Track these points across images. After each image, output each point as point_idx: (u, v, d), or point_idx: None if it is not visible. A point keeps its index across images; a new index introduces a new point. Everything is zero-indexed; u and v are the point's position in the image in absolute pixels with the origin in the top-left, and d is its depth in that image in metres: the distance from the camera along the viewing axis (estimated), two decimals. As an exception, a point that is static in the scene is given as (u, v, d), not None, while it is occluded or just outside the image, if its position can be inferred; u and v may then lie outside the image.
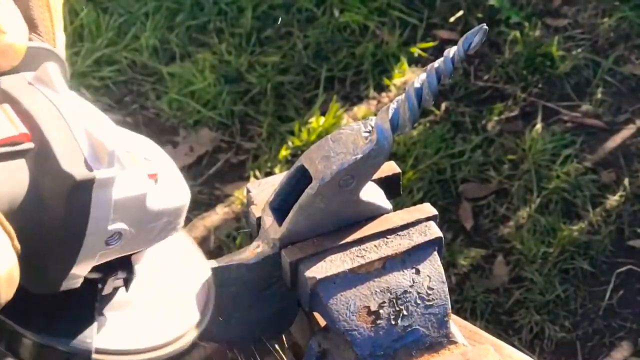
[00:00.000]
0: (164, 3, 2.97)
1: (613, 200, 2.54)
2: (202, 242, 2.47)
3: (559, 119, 2.75)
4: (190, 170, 2.63)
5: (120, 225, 0.83)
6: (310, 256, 1.02)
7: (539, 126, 2.70)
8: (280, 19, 2.94)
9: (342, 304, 1.00)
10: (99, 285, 0.88)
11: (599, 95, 2.80)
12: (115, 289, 0.90)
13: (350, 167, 1.00)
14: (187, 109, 2.74)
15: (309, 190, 1.01)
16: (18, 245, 0.76)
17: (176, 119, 2.74)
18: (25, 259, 0.79)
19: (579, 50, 2.91)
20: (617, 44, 2.94)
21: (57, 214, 0.79)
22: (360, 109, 2.77)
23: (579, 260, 2.42)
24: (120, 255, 0.86)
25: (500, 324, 2.32)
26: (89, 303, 0.88)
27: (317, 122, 2.69)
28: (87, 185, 0.78)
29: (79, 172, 0.78)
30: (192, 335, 0.94)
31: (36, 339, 0.84)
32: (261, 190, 1.09)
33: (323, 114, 2.73)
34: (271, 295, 1.07)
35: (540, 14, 3.02)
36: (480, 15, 3.00)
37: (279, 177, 1.07)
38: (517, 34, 2.92)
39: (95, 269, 0.85)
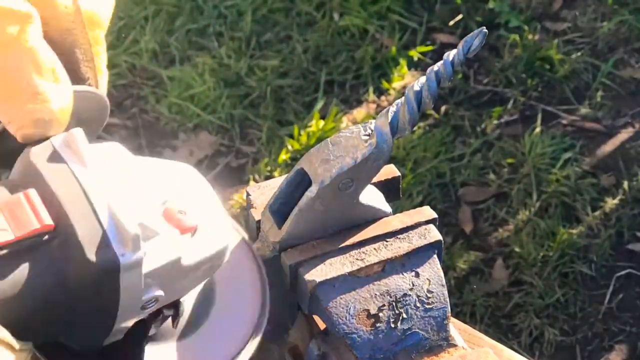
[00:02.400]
0: (163, 7, 2.97)
1: (612, 203, 2.54)
2: (202, 246, 2.47)
3: (558, 122, 2.75)
4: (190, 174, 2.63)
5: (155, 293, 0.82)
6: (310, 259, 1.02)
7: (538, 130, 2.70)
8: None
9: (341, 307, 1.00)
10: (147, 325, 0.87)
11: (599, 99, 2.80)
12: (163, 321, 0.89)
13: (350, 171, 1.00)
14: (187, 113, 2.74)
15: (308, 194, 1.01)
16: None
17: (176, 122, 2.74)
18: (62, 333, 0.79)
19: (579, 53, 2.91)
20: (616, 47, 2.94)
21: (86, 300, 0.78)
22: (359, 113, 2.77)
23: (578, 264, 2.42)
24: (162, 306, 0.85)
25: (499, 328, 2.32)
26: (138, 342, 0.87)
27: (316, 125, 2.69)
28: (113, 272, 0.77)
29: (104, 260, 0.77)
30: (249, 352, 0.93)
31: None
32: (261, 193, 1.09)
33: (323, 117, 2.73)
34: (270, 298, 1.07)
35: (539, 18, 3.02)
36: (479, 18, 3.00)
37: (279, 181, 1.07)
38: (517, 37, 2.92)
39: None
